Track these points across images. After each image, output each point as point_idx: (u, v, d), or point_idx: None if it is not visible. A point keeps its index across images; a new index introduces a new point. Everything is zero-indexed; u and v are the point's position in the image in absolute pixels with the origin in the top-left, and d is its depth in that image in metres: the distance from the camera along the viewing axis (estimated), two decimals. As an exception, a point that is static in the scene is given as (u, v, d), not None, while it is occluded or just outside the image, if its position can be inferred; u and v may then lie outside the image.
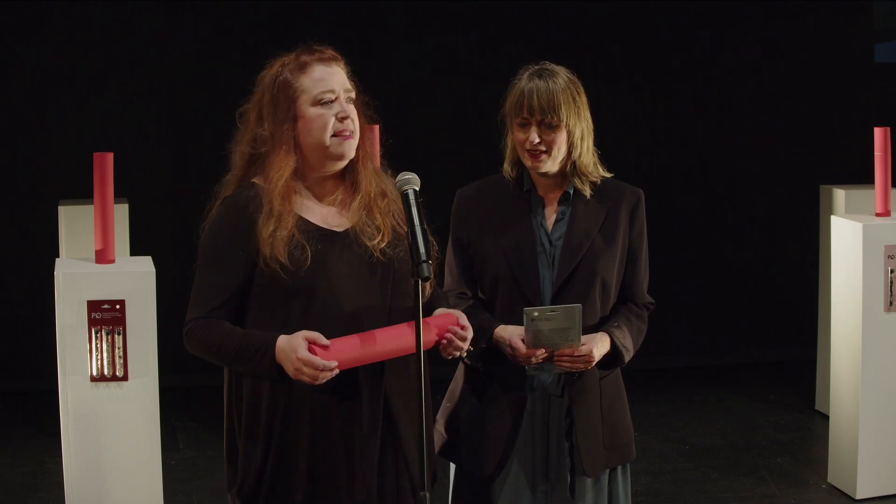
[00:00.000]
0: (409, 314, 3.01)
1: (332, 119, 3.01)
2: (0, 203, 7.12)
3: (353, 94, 3.07)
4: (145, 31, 7.12)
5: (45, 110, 7.10)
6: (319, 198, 3.08)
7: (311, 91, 3.02)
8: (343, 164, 3.06)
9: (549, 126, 3.31)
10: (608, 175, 3.45)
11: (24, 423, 6.59)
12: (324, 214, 3.06)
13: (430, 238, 2.97)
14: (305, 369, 2.85)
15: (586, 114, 3.37)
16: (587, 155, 3.39)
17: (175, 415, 6.61)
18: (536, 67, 3.38)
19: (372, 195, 3.08)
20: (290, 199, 3.01)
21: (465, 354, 3.09)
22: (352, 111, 3.05)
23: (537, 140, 3.32)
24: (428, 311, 3.09)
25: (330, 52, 3.09)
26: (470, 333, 3.06)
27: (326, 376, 2.86)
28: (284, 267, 2.94)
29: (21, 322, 7.07)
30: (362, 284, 3.00)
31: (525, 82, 3.35)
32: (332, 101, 3.03)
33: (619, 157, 3.71)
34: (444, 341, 3.03)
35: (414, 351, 2.96)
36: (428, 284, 3.09)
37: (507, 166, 3.46)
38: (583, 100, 3.37)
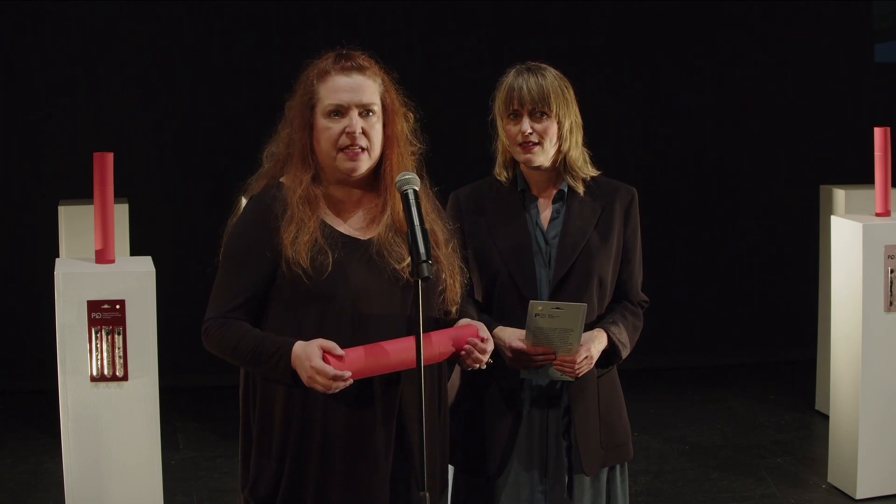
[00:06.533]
0: (430, 325, 3.00)
1: (340, 134, 2.96)
2: (0, 203, 7.12)
3: (374, 108, 2.99)
4: (145, 31, 7.12)
5: (45, 110, 7.10)
6: (343, 203, 3.04)
7: (324, 101, 2.97)
8: (358, 175, 3.01)
9: (540, 115, 3.33)
10: (596, 173, 3.46)
11: (24, 423, 6.58)
12: (347, 221, 3.02)
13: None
14: (318, 378, 2.83)
15: (575, 109, 3.39)
16: (576, 150, 3.40)
17: (175, 415, 6.61)
18: (524, 65, 3.40)
19: (402, 216, 2.97)
20: (313, 203, 2.97)
21: (486, 367, 3.08)
22: (371, 126, 2.98)
23: (529, 130, 3.32)
24: (453, 324, 3.09)
25: (355, 61, 3.01)
26: (490, 346, 3.05)
27: (339, 386, 2.84)
28: (306, 271, 2.90)
29: (21, 322, 7.07)
30: (383, 293, 2.96)
31: (514, 77, 3.37)
32: (341, 115, 2.97)
33: (620, 157, 3.72)
34: (464, 352, 3.02)
35: (431, 362, 2.97)
36: (455, 308, 3.08)
37: (498, 169, 3.47)
38: (571, 95, 3.38)
